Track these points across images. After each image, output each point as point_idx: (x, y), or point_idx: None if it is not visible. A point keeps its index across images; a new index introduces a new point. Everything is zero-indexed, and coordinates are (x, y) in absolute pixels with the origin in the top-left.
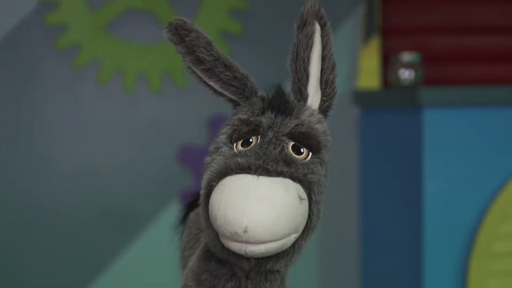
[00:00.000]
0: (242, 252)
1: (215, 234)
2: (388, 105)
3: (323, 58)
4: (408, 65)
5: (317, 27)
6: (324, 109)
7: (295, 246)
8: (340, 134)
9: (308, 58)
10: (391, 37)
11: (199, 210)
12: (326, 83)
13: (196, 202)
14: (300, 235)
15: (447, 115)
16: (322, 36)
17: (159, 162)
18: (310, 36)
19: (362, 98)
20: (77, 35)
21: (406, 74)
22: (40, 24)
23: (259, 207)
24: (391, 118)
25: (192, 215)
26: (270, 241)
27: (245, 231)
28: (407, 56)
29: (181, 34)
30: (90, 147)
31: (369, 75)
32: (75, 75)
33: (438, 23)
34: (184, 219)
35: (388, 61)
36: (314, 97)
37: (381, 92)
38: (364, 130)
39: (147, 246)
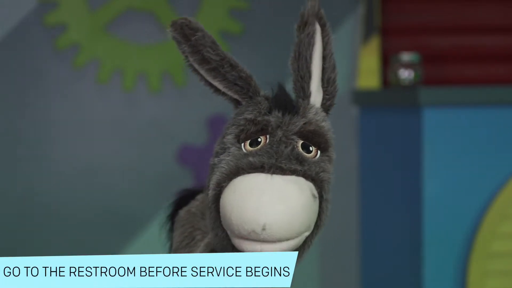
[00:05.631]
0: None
1: (225, 235)
2: (387, 105)
3: (324, 57)
4: (407, 65)
5: (318, 27)
6: (326, 107)
7: (304, 245)
8: (340, 134)
9: (310, 57)
10: (391, 37)
11: (190, 208)
12: (328, 82)
13: (184, 200)
14: (310, 233)
15: (446, 115)
16: (323, 36)
17: (158, 162)
18: (312, 36)
19: (362, 98)
20: (76, 35)
21: (405, 74)
22: (40, 24)
23: (276, 205)
24: (391, 118)
25: (182, 213)
26: (286, 239)
27: (263, 229)
28: (406, 56)
29: (186, 33)
30: (90, 147)
31: (368, 75)
32: (75, 75)
33: (438, 23)
34: (172, 216)
35: (387, 61)
36: (316, 96)
37: (381, 92)
38: (363, 130)
39: (147, 246)
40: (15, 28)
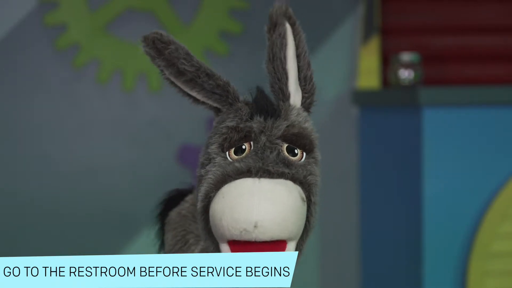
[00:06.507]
0: None
1: (216, 247)
2: (387, 105)
3: (298, 56)
4: (407, 65)
5: (288, 27)
6: (306, 106)
7: (295, 250)
8: (340, 134)
9: (285, 58)
10: (391, 37)
11: (181, 210)
12: (305, 80)
13: (173, 200)
14: (300, 237)
15: (446, 115)
16: (294, 35)
17: (158, 161)
18: (283, 36)
19: (362, 98)
20: (76, 35)
21: (405, 74)
22: (40, 24)
23: (266, 205)
24: (391, 118)
25: (173, 215)
26: (278, 237)
27: (255, 227)
28: (406, 56)
29: (159, 48)
30: (90, 147)
31: (368, 75)
32: (75, 75)
33: (438, 23)
34: (161, 216)
35: (387, 61)
36: (295, 96)
37: (381, 92)
38: (363, 130)
39: (147, 246)
40: (15, 28)
